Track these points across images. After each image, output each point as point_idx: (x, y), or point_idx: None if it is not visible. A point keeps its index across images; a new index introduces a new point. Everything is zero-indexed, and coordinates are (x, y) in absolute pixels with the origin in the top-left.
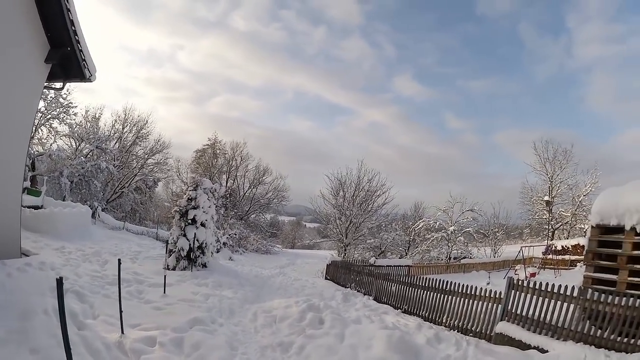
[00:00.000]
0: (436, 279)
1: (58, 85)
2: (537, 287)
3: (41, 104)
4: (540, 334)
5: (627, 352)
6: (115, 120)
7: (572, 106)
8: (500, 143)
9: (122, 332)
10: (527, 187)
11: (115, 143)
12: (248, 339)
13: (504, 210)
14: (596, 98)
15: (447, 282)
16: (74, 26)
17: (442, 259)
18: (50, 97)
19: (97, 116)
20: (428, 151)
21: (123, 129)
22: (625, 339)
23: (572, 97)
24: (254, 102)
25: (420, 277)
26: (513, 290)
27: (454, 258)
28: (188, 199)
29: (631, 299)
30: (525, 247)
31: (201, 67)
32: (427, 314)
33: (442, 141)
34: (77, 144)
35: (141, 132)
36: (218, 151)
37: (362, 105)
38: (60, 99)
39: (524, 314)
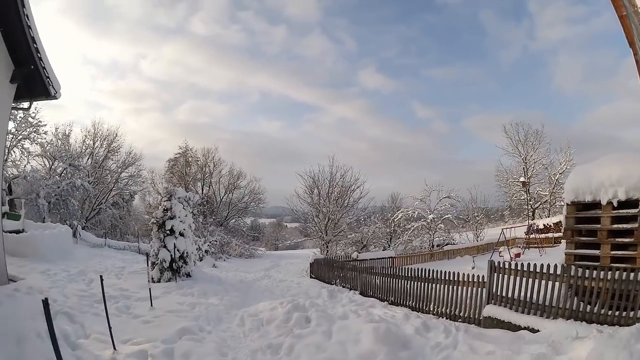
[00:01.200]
0: (420, 268)
1: (25, 105)
2: (518, 268)
3: (11, 124)
4: (529, 314)
5: (620, 325)
6: (86, 136)
7: (540, 88)
8: (470, 128)
9: (114, 349)
10: (502, 169)
11: (88, 159)
12: (237, 344)
13: (481, 194)
14: (563, 78)
15: (431, 270)
16: (36, 43)
17: (425, 248)
18: (20, 117)
19: (67, 133)
20: (399, 141)
21: (94, 144)
22: (617, 312)
23: (539, 78)
24: (221, 106)
25: (404, 268)
26: (495, 273)
27: (437, 245)
28: (164, 209)
29: (617, 272)
30: (507, 228)
31: (165, 75)
32: (413, 304)
33: (412, 131)
34: (51, 163)
35: (112, 145)
36: (190, 159)
37: (329, 102)
38: (30, 119)
39: (509, 295)
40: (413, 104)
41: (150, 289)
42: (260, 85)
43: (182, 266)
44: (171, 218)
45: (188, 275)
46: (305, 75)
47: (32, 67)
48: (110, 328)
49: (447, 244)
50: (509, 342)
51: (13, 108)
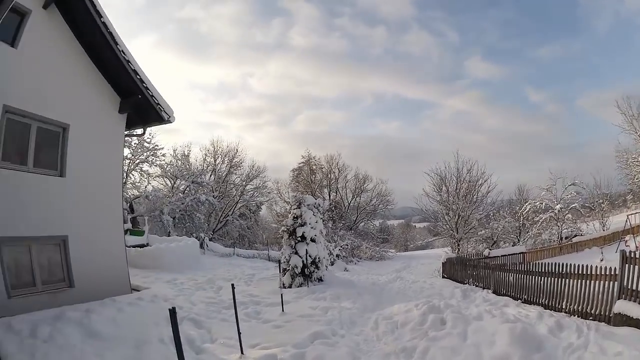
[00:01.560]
0: (550, 263)
1: (139, 131)
2: None
3: (127, 151)
4: None
5: None
6: (206, 154)
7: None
8: (583, 107)
9: (242, 353)
10: (621, 150)
11: (210, 175)
12: (370, 347)
13: (605, 178)
14: None
15: (561, 264)
16: (139, 75)
17: (554, 241)
18: (134, 144)
19: (186, 153)
20: (516, 130)
21: (215, 161)
22: None
23: (637, 44)
24: (337, 113)
25: (535, 263)
26: (627, 265)
27: (566, 238)
28: (294, 217)
29: None
30: (632, 214)
31: (275, 89)
32: (546, 302)
33: (528, 117)
34: (172, 182)
35: (234, 161)
36: (314, 167)
37: (442, 96)
38: (145, 144)
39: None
40: (525, 89)
41: (281, 294)
42: (372, 88)
43: (314, 271)
44: (301, 225)
45: (320, 279)
46: (414, 73)
47: (140, 96)
48: (239, 333)
49: (575, 236)
50: (636, 342)
51: (127, 135)
